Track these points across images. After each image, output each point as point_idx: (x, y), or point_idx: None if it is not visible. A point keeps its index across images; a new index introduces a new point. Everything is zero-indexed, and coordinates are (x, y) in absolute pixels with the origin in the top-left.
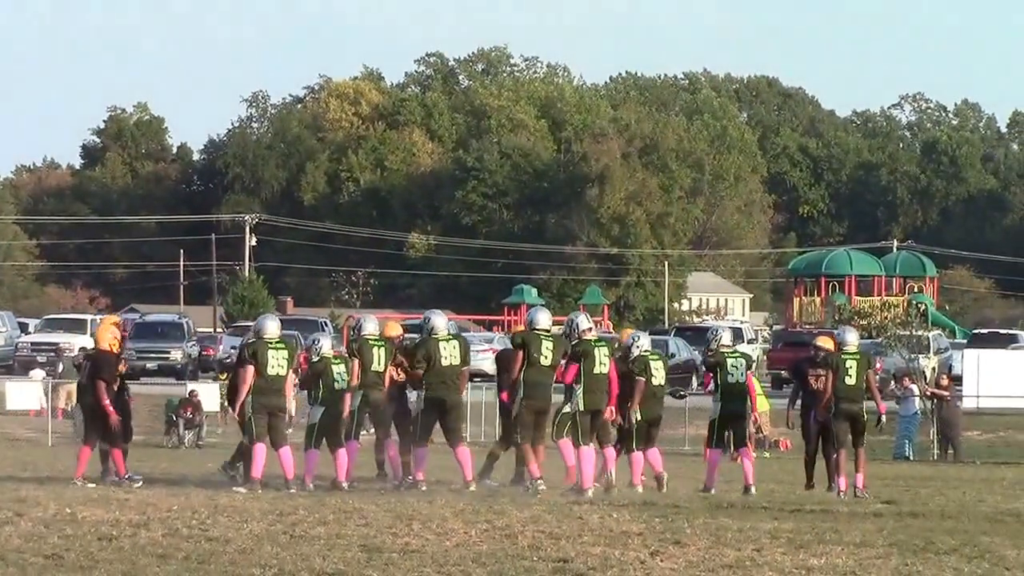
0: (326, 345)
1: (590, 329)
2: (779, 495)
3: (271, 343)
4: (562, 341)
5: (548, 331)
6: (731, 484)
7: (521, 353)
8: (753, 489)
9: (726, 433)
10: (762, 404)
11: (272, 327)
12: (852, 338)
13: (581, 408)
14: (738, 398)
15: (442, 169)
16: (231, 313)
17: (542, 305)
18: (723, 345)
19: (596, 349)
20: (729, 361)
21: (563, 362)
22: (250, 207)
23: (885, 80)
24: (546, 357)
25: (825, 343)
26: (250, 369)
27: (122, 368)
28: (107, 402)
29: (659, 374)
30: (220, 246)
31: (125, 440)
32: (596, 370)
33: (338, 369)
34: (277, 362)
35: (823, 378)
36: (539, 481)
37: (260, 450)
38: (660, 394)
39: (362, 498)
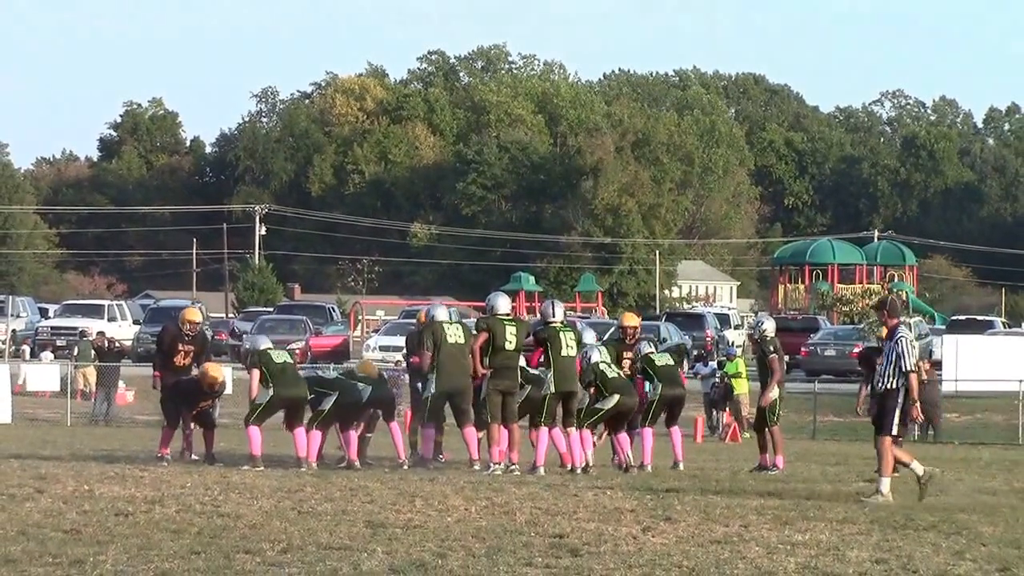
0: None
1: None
2: (765, 474)
3: (272, 354)
4: (524, 324)
5: (509, 316)
6: (719, 462)
7: (486, 335)
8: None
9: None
10: (742, 386)
11: (265, 340)
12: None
13: (552, 391)
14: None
15: (443, 162)
16: (242, 299)
17: (501, 290)
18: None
19: (561, 334)
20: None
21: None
22: (260, 198)
23: (867, 77)
24: (510, 342)
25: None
26: (256, 374)
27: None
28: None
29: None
30: (231, 235)
31: (173, 424)
32: (564, 353)
33: None
34: (282, 359)
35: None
36: (497, 465)
37: (254, 431)
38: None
39: (367, 476)
